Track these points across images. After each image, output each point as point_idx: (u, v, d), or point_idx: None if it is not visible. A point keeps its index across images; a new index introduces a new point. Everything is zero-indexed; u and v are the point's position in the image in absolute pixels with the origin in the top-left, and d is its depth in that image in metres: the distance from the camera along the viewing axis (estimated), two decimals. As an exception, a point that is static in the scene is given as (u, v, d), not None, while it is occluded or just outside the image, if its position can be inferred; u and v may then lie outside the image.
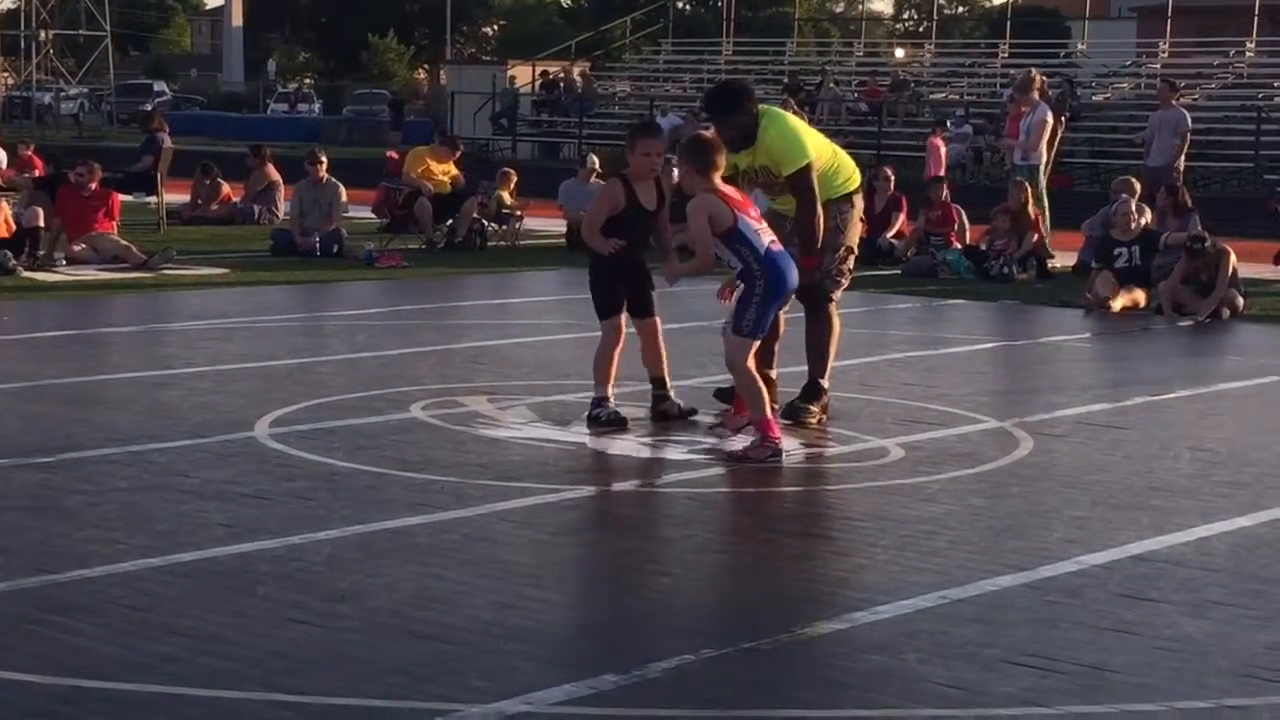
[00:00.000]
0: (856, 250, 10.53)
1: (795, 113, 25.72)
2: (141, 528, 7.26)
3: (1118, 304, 16.29)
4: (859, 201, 10.54)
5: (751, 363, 9.29)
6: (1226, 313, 16.02)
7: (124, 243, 18.81)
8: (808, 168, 10.01)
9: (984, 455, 9.40)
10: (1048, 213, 20.41)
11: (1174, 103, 23.41)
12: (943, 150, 27.80)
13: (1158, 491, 8.47)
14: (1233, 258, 16.33)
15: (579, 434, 9.52)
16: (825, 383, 10.31)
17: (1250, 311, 16.28)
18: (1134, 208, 17.48)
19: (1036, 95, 21.43)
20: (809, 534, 7.41)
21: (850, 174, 10.46)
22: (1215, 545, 7.41)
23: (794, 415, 10.02)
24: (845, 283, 10.48)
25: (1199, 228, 17.67)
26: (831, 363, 10.34)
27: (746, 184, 10.11)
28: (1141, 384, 12.04)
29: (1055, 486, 8.56)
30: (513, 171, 23.41)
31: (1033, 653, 5.82)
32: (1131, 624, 6.19)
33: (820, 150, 10.22)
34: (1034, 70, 23.18)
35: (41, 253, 18.11)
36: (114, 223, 19.42)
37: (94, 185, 19.33)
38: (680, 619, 6.13)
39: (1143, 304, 16.41)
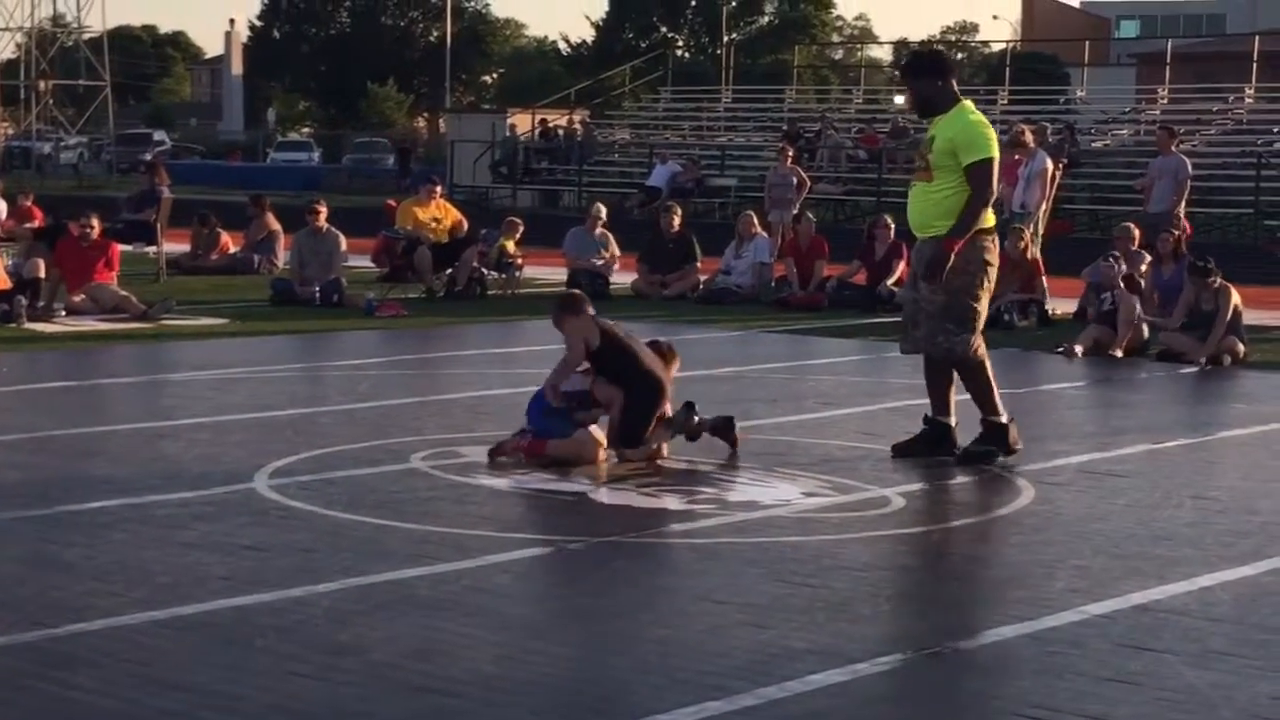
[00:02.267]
0: (985, 294, 10.53)
1: (791, 160, 25.78)
2: (141, 581, 7.23)
3: (1119, 350, 16.32)
4: (996, 246, 10.58)
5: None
6: (1228, 359, 16.02)
7: (123, 293, 18.80)
8: (989, 162, 10.26)
9: (985, 504, 9.38)
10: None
11: (1174, 149, 23.43)
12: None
13: (1160, 540, 8.44)
14: (1235, 296, 16.37)
15: (579, 484, 9.50)
16: (1002, 418, 10.45)
17: (1252, 358, 16.27)
18: (1124, 264, 17.57)
19: (1033, 144, 21.49)
20: (809, 585, 7.38)
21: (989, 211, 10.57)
22: (1219, 595, 7.38)
23: (971, 460, 10.33)
24: (970, 338, 10.43)
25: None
26: (995, 397, 10.51)
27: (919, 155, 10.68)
28: (1143, 431, 12.02)
29: (1057, 535, 8.53)
30: (519, 221, 23.43)
31: (1036, 704, 5.79)
32: (1135, 675, 6.16)
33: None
34: (1021, 125, 23.23)
35: (41, 304, 18.10)
36: (114, 273, 19.42)
37: (95, 236, 19.34)
38: (680, 671, 6.10)
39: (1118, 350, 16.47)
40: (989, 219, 10.47)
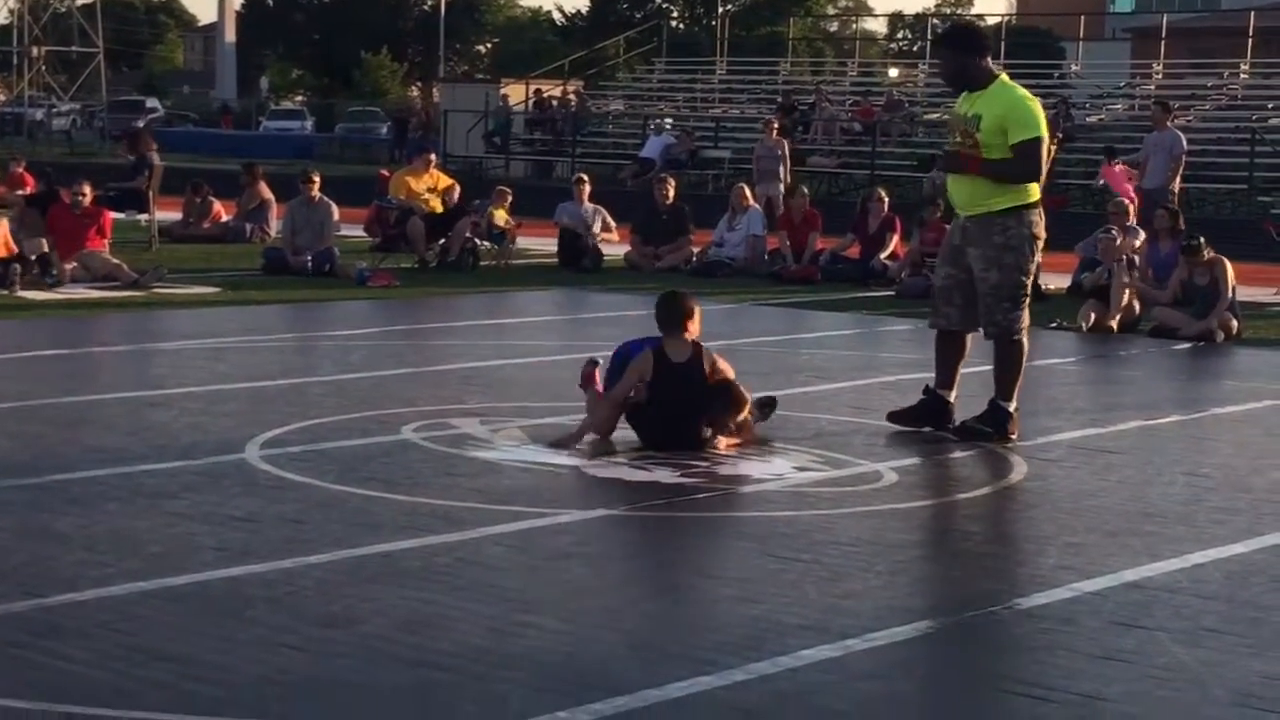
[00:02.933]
0: (1033, 270, 10.53)
1: (777, 132, 25.69)
2: (131, 551, 7.22)
3: (1113, 323, 16.34)
4: (1042, 218, 10.51)
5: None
6: (1221, 335, 16.02)
7: (115, 261, 18.77)
8: (1038, 141, 10.24)
9: (977, 479, 9.37)
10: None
11: (1169, 125, 23.42)
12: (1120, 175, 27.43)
13: (1152, 517, 8.44)
14: (1230, 270, 16.40)
15: (572, 457, 9.48)
16: (1010, 407, 10.41)
17: (1245, 335, 16.27)
18: (1121, 237, 17.53)
19: None
20: (801, 559, 7.38)
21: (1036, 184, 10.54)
22: (1210, 572, 7.38)
23: (967, 434, 10.35)
24: (1021, 314, 10.43)
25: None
26: (1017, 386, 10.49)
27: (950, 130, 10.65)
28: (1135, 408, 12.02)
29: (1049, 512, 8.53)
30: (508, 190, 23.41)
31: (1027, 681, 5.78)
32: (1126, 652, 6.16)
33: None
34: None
35: (53, 276, 18.05)
36: (105, 241, 19.40)
37: (87, 203, 19.32)
38: (672, 645, 6.10)
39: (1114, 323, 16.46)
40: (1034, 193, 10.40)
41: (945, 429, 10.48)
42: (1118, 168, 27.88)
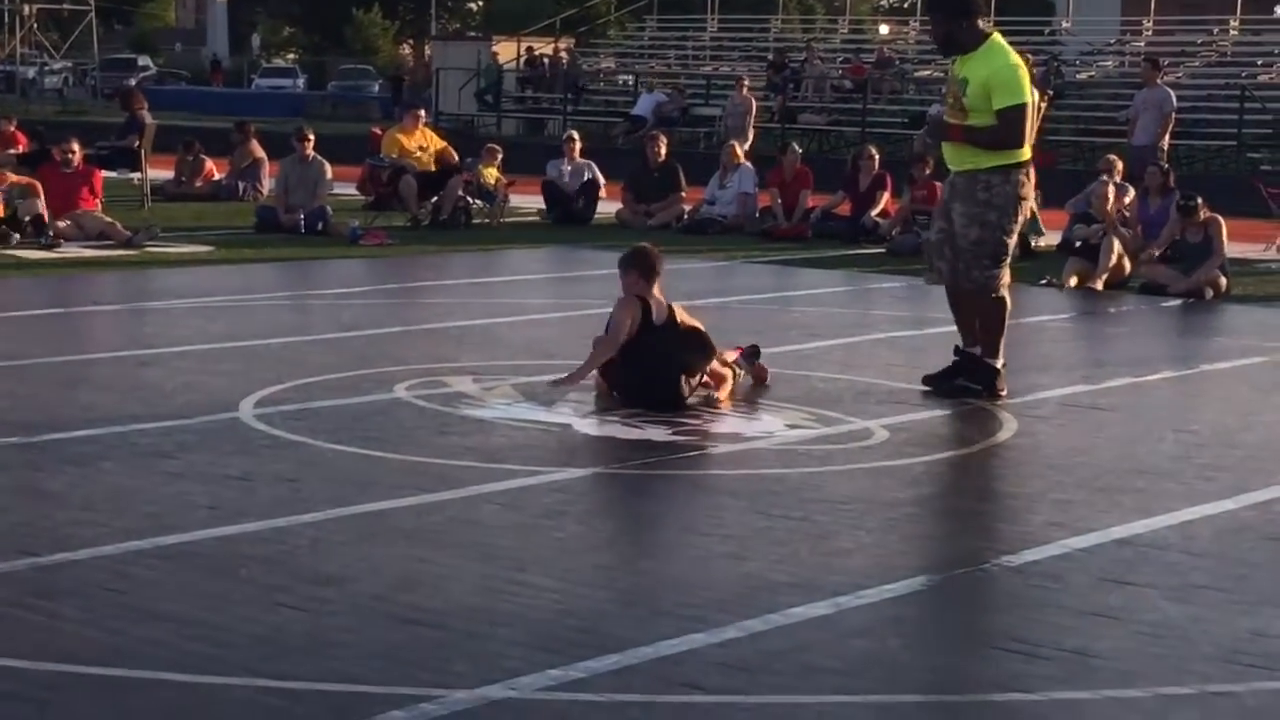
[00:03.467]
0: (1016, 229, 10.54)
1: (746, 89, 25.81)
2: (125, 510, 7.25)
3: (1099, 284, 16.35)
4: (1031, 179, 10.53)
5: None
6: (1210, 292, 16.05)
7: (108, 220, 18.76)
8: (1021, 108, 10.25)
9: (968, 437, 9.41)
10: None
11: (1158, 81, 23.41)
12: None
13: (1141, 474, 8.48)
14: (1225, 229, 16.44)
15: (564, 415, 9.51)
16: (997, 362, 10.46)
17: (1234, 291, 16.30)
18: (1112, 190, 17.53)
19: None
20: (792, 516, 7.42)
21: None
22: (1199, 529, 7.43)
23: (955, 393, 10.41)
24: (1001, 272, 10.46)
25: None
26: (1002, 340, 10.52)
27: (946, 91, 10.72)
28: (1125, 365, 12.05)
29: (1039, 469, 8.57)
30: (498, 148, 23.39)
31: (1016, 637, 5.83)
32: (1115, 609, 6.20)
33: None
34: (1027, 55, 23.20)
35: (49, 237, 18.02)
36: (98, 200, 19.38)
37: (77, 162, 19.29)
38: (663, 603, 6.14)
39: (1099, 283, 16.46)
40: (1024, 152, 10.43)
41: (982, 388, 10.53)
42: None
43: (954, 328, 10.75)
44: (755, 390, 10.33)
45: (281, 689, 5.15)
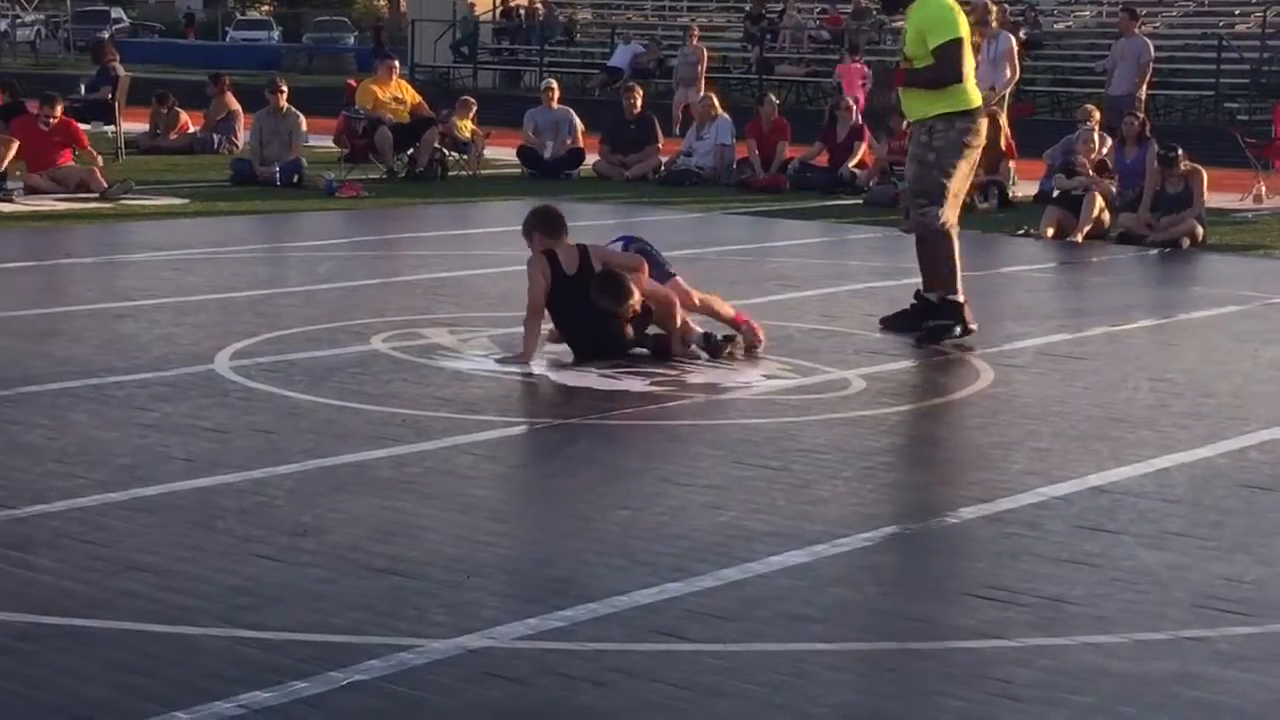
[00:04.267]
0: (958, 173, 10.64)
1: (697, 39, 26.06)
2: (101, 462, 7.23)
3: (1080, 235, 16.37)
4: (982, 129, 10.71)
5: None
6: (1186, 242, 16.06)
7: (87, 167, 18.71)
8: (957, 42, 10.42)
9: (945, 387, 9.42)
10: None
11: (1135, 31, 23.39)
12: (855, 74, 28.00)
13: (1117, 423, 8.49)
14: (1205, 180, 16.46)
15: (540, 366, 9.50)
16: (959, 297, 10.61)
17: (1210, 241, 16.32)
18: (1097, 137, 17.51)
19: (996, 25, 21.44)
20: (770, 466, 7.42)
21: (974, 91, 10.70)
22: (1174, 476, 7.44)
23: (933, 337, 10.50)
24: (937, 210, 10.56)
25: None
26: (958, 276, 10.67)
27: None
28: (1102, 314, 12.07)
29: (1015, 418, 8.58)
30: (471, 100, 23.34)
31: (993, 585, 5.84)
32: (1091, 556, 6.22)
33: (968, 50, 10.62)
34: (988, 3, 23.20)
35: (6, 185, 17.94)
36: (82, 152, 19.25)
37: (55, 119, 19.16)
38: (641, 552, 6.14)
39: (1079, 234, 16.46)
40: (974, 99, 10.63)
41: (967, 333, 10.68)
42: (854, 65, 28.11)
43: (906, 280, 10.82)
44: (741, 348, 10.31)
45: (258, 639, 5.15)
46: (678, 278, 10.17)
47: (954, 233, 10.70)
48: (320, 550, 6.07)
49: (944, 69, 10.47)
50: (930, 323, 10.62)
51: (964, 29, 10.53)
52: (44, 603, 5.45)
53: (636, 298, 9.63)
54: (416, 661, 5.01)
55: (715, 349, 9.76)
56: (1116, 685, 4.97)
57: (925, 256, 10.82)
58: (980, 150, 10.84)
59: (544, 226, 9.93)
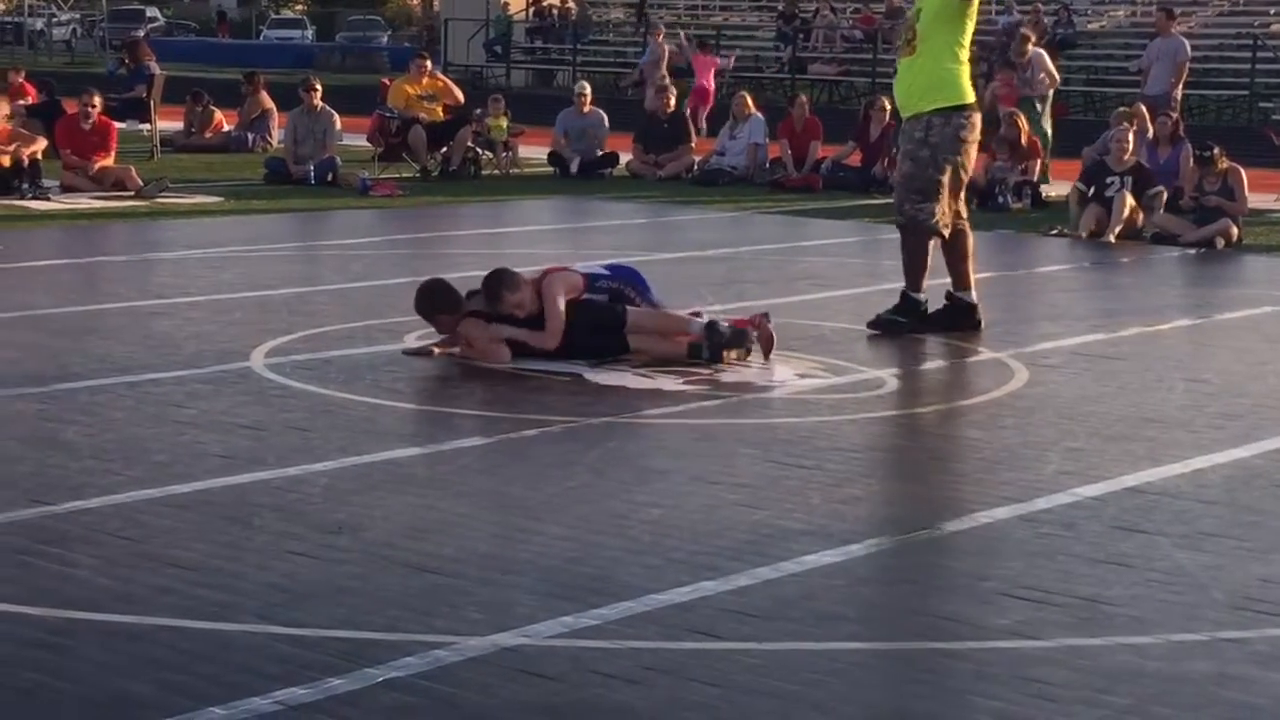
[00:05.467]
0: (961, 175, 10.75)
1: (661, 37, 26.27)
2: (138, 459, 7.26)
3: (1113, 235, 16.32)
4: (978, 124, 10.77)
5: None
6: (1221, 242, 16.01)
7: (123, 165, 18.79)
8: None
9: (979, 386, 9.40)
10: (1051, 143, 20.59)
11: (1173, 31, 23.32)
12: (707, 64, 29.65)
13: (1152, 423, 8.47)
14: (1244, 175, 16.43)
15: (574, 365, 9.50)
16: (921, 296, 10.73)
17: (1246, 241, 16.27)
18: (1132, 137, 17.46)
19: (1029, 49, 21.67)
20: (803, 465, 7.42)
21: (968, 86, 10.77)
22: (1210, 477, 7.42)
23: (880, 325, 10.66)
24: (932, 206, 10.65)
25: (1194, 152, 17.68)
26: (972, 274, 10.84)
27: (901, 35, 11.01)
28: (1137, 314, 12.03)
29: (1050, 418, 8.56)
30: (501, 98, 23.39)
31: (1027, 585, 5.83)
32: (1126, 556, 6.21)
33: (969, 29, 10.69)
34: (1025, 29, 23.38)
35: (41, 183, 18.00)
36: (112, 155, 19.31)
37: (96, 117, 19.21)
38: (675, 551, 6.14)
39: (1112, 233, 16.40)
40: (968, 94, 10.72)
41: (976, 329, 10.79)
42: (708, 57, 28.67)
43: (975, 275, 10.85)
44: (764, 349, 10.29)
45: (294, 636, 5.17)
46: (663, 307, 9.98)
47: (946, 231, 10.72)
48: (355, 547, 6.09)
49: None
50: (889, 313, 10.73)
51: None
52: (81, 598, 5.47)
53: (519, 298, 9.48)
54: (451, 659, 5.02)
55: (717, 347, 9.59)
56: (1152, 686, 4.96)
57: (913, 251, 10.86)
58: (976, 145, 10.89)
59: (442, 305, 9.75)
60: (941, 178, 10.60)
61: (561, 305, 9.46)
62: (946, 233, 10.70)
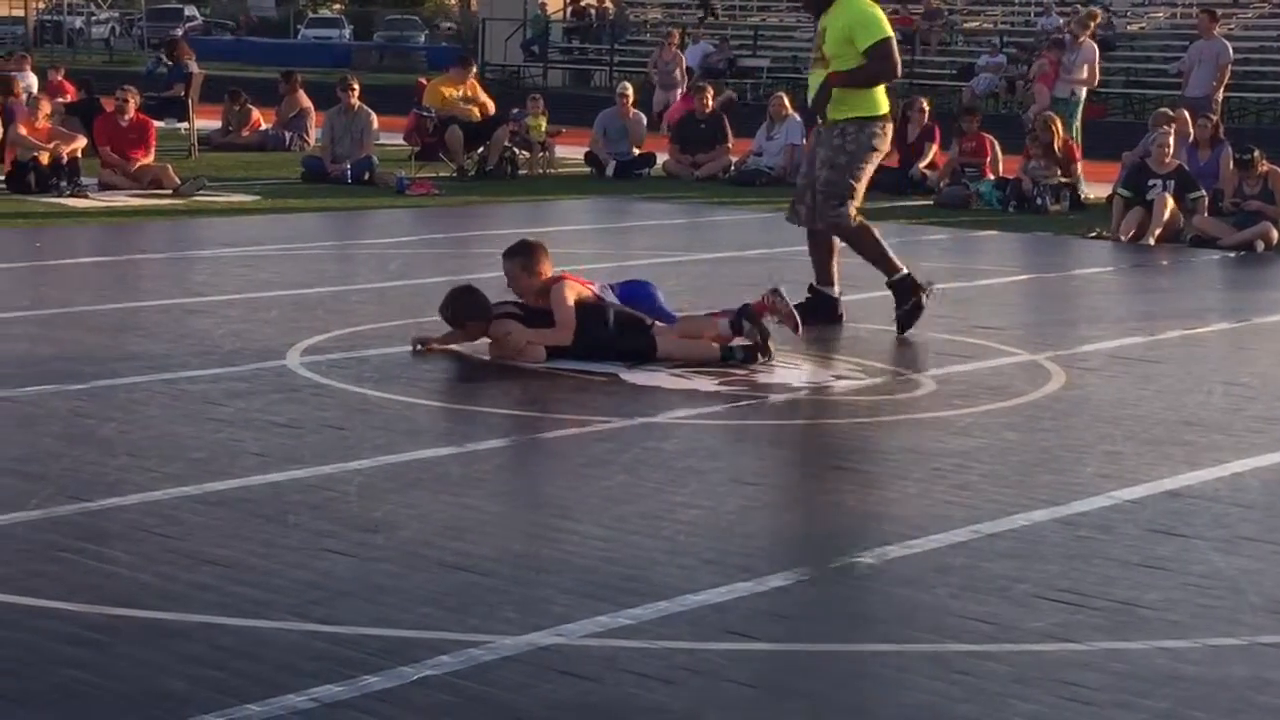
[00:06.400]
0: (865, 176, 10.97)
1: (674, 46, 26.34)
2: (175, 456, 7.28)
3: (1153, 238, 16.26)
4: (889, 133, 11.06)
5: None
6: (1261, 245, 15.94)
7: (160, 164, 18.86)
8: (887, 41, 10.72)
9: (1016, 388, 9.37)
10: (1079, 143, 20.49)
11: (1215, 33, 23.22)
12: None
13: (1191, 426, 8.44)
14: None
15: (610, 365, 9.49)
16: (902, 272, 10.90)
17: (1285, 244, 16.19)
18: (1173, 141, 17.39)
19: (1087, 35, 21.58)
20: (839, 467, 7.41)
21: (884, 97, 11.03)
22: (1248, 481, 7.39)
23: (906, 324, 10.75)
24: (847, 211, 10.87)
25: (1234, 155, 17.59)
26: (890, 255, 10.98)
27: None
28: (1175, 317, 11.99)
29: (1088, 420, 8.53)
30: (538, 97, 23.42)
31: (1064, 588, 5.81)
32: (1164, 560, 6.18)
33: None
34: (1095, 9, 23.28)
35: (78, 180, 18.06)
36: (150, 153, 19.37)
37: (132, 113, 19.28)
38: (710, 552, 6.14)
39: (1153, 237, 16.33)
40: (883, 105, 10.93)
41: (836, 322, 10.98)
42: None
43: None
44: (801, 341, 10.26)
45: (330, 634, 5.17)
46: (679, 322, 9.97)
47: (865, 221, 10.99)
48: (391, 546, 6.10)
49: (882, 66, 10.74)
50: (899, 310, 10.81)
51: (889, 29, 10.79)
52: (118, 595, 5.49)
53: (541, 273, 9.58)
54: (486, 657, 5.02)
55: (755, 343, 9.59)
56: (1189, 690, 4.94)
57: (820, 248, 11.12)
58: (884, 154, 11.16)
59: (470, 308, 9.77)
60: (855, 183, 10.87)
61: (570, 300, 9.48)
62: (864, 220, 11.00)
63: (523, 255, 9.69)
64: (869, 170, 10.95)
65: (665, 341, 9.54)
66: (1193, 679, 5.03)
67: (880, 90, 10.92)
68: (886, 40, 10.72)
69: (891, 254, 10.97)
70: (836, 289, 11.04)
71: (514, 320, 9.55)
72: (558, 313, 9.46)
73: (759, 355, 9.56)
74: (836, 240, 11.09)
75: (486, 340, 9.62)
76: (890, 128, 11.08)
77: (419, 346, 9.66)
